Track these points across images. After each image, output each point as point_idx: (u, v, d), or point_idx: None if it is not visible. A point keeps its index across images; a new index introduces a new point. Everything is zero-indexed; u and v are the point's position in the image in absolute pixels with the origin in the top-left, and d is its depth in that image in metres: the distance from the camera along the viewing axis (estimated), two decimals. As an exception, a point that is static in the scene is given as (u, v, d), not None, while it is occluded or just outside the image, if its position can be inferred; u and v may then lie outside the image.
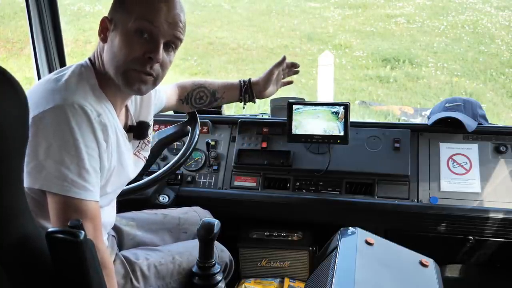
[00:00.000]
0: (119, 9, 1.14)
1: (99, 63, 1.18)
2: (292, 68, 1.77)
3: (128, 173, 1.29)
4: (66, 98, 1.06)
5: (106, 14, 1.18)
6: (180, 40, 1.19)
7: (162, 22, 1.12)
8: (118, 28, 1.13)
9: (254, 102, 1.75)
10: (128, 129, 1.30)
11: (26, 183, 0.95)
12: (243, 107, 1.78)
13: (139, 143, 1.36)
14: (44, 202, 1.06)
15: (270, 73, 1.71)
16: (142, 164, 1.38)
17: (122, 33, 1.12)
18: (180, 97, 1.67)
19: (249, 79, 1.72)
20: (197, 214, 1.69)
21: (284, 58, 1.73)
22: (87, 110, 1.06)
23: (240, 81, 1.72)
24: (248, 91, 1.71)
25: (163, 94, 1.57)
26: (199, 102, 1.69)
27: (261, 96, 1.74)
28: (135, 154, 1.34)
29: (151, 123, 1.42)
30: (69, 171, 1.03)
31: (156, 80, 1.18)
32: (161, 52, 1.14)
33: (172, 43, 1.17)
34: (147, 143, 1.39)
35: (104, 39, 1.16)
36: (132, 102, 1.36)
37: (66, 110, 1.04)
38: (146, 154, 1.39)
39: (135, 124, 1.33)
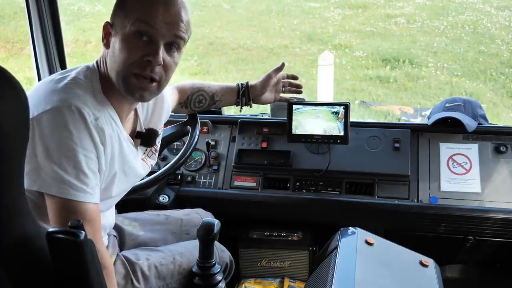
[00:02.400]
0: (119, 13, 1.12)
1: (104, 69, 1.16)
2: (293, 81, 1.79)
3: (136, 177, 1.29)
4: (64, 100, 1.04)
5: (106, 14, 1.16)
6: (183, 39, 1.14)
7: (160, 23, 1.08)
8: (118, 32, 1.11)
9: (251, 106, 1.75)
10: (136, 135, 1.29)
11: (24, 185, 0.95)
12: (240, 110, 1.78)
13: (146, 150, 1.35)
14: (42, 204, 1.05)
15: (268, 78, 1.72)
16: (147, 170, 1.37)
17: (122, 36, 1.10)
18: (179, 101, 1.66)
19: (247, 83, 1.72)
20: (200, 216, 1.68)
21: (283, 65, 1.74)
22: (84, 113, 1.05)
23: (238, 84, 1.72)
24: (245, 94, 1.71)
25: (170, 99, 1.54)
26: (198, 105, 1.69)
27: (257, 101, 1.75)
28: (141, 159, 1.33)
29: (161, 131, 1.41)
30: (66, 173, 1.02)
31: (160, 85, 1.15)
32: (161, 54, 1.10)
33: (175, 44, 1.13)
34: (154, 152, 1.38)
35: (106, 44, 1.14)
36: (144, 107, 1.34)
37: (64, 112, 1.03)
38: (153, 162, 1.38)
39: (143, 130, 1.32)
